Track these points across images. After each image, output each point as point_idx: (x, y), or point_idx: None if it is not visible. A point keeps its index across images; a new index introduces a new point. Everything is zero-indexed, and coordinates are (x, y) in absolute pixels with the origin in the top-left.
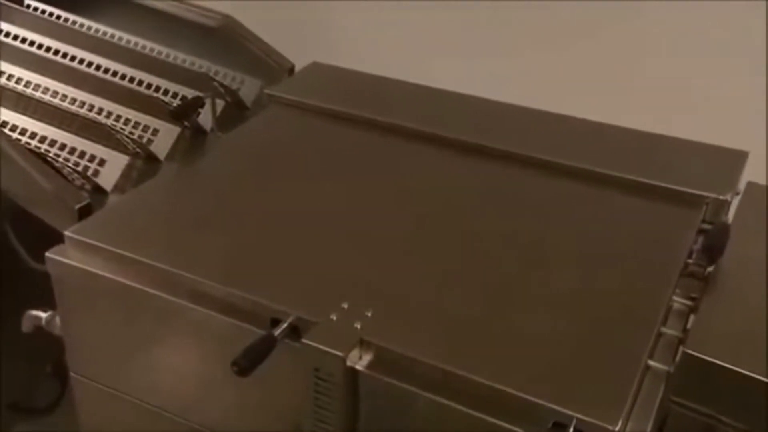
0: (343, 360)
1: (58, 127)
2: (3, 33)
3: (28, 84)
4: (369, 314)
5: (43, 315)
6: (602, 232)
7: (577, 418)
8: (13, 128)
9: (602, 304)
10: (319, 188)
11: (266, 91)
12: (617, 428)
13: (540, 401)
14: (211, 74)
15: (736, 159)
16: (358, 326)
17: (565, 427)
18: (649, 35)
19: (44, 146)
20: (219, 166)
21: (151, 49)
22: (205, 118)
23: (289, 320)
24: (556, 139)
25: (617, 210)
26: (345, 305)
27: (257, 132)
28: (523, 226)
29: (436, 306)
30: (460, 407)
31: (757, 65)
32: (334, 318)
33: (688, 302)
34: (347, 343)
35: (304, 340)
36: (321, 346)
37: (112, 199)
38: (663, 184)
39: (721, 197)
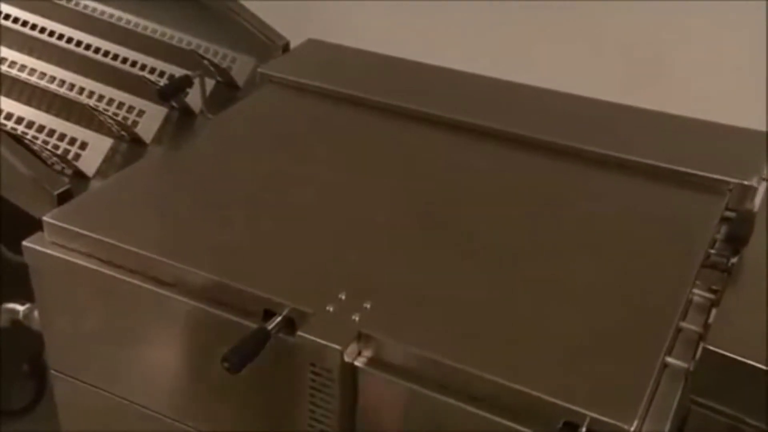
0: (341, 354)
1: (37, 108)
2: None
3: (3, 61)
4: (368, 306)
5: (20, 308)
6: (619, 220)
7: (590, 417)
8: None
9: (617, 296)
10: (316, 173)
11: (259, 69)
12: (632, 428)
13: (549, 398)
14: (201, 51)
15: (763, 141)
16: (356, 318)
17: (577, 427)
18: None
19: (21, 128)
20: (208, 150)
21: (136, 25)
22: (194, 98)
23: (284, 312)
24: (567, 121)
25: (635, 197)
26: (342, 296)
27: (249, 113)
28: (533, 213)
29: (439, 298)
30: (464, 406)
31: None
32: (331, 310)
33: (710, 295)
34: (345, 337)
35: (299, 334)
36: (317, 340)
37: (94, 184)
38: (683, 169)
39: (745, 183)
